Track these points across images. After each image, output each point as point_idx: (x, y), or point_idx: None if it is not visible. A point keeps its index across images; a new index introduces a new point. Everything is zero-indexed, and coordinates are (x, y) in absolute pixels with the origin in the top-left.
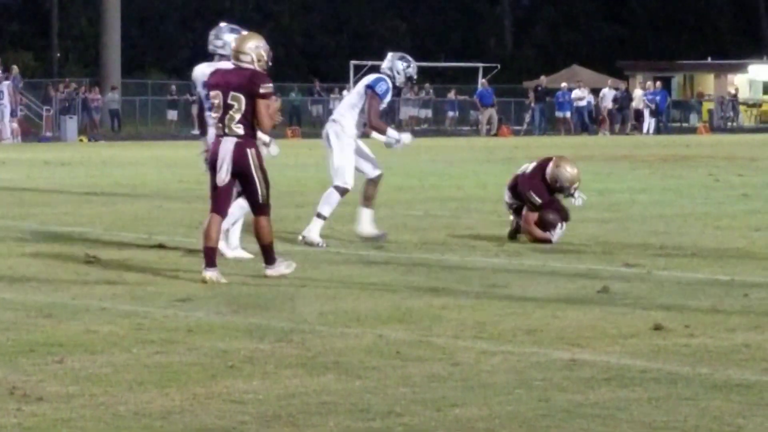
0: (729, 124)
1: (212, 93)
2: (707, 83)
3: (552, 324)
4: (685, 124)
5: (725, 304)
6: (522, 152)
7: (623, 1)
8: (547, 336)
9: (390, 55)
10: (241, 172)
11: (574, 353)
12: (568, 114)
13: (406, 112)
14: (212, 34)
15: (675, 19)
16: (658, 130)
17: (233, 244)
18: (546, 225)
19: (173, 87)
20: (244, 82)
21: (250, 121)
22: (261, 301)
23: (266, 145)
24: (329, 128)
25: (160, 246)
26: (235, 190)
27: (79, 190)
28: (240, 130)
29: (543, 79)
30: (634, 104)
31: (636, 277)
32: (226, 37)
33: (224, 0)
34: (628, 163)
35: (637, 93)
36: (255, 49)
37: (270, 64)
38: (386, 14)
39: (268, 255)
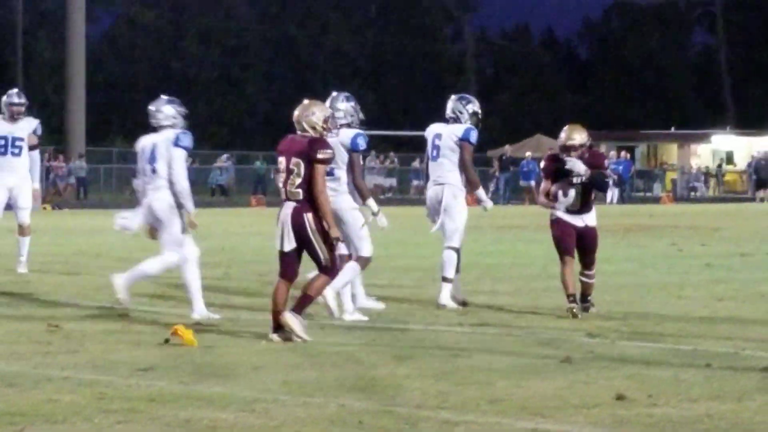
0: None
1: (279, 159)
2: (671, 153)
3: (515, 394)
4: (648, 194)
5: (688, 373)
6: (487, 221)
7: (587, 71)
8: (510, 406)
9: (452, 98)
10: (300, 237)
11: (537, 423)
12: (532, 183)
13: (371, 180)
14: (329, 105)
15: (639, 89)
16: (621, 200)
17: (349, 308)
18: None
19: None
20: (304, 147)
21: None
22: (224, 370)
23: (374, 215)
24: (444, 191)
25: (123, 315)
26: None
27: (42, 259)
28: (299, 195)
29: (507, 149)
30: None
31: (599, 347)
32: (341, 105)
33: (190, 68)
34: None
35: None
36: (309, 118)
37: (330, 129)
38: (352, 83)
39: (301, 304)
